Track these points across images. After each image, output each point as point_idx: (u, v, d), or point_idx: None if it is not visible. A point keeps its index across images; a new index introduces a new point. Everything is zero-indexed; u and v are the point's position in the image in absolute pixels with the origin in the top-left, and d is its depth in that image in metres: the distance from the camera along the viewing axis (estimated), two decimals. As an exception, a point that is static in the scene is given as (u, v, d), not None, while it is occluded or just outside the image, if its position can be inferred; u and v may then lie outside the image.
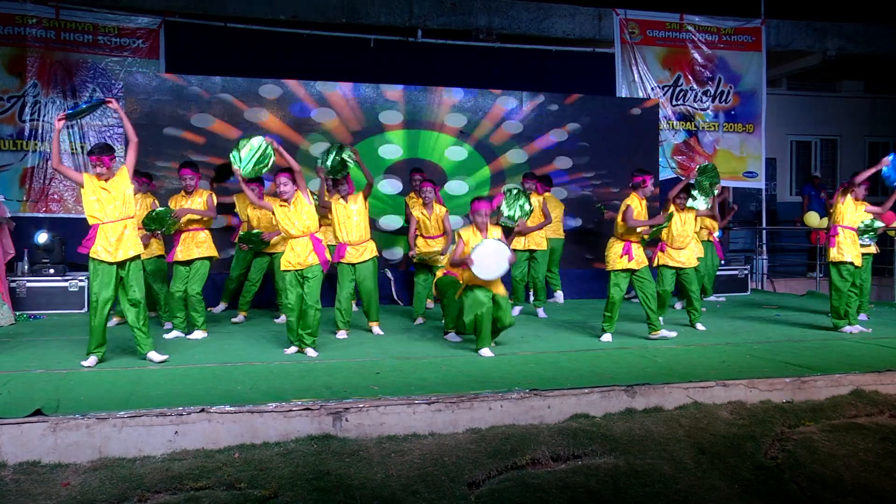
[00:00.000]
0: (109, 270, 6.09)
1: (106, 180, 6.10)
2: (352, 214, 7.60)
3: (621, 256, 7.45)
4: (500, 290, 6.83)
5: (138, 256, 6.26)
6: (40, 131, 10.32)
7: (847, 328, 7.95)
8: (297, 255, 6.63)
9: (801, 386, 5.69)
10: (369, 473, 4.39)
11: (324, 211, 7.67)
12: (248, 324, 8.43)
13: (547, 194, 9.79)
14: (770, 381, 5.66)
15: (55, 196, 10.40)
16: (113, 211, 6.09)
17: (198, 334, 7.49)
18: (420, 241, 8.46)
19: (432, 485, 4.36)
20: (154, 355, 6.28)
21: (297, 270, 6.66)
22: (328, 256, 6.82)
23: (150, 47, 10.81)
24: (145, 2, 10.84)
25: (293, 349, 6.76)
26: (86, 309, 8.89)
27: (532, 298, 9.66)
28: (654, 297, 7.52)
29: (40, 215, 10.39)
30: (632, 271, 7.51)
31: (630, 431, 5.02)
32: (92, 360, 6.10)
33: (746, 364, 6.30)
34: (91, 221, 6.10)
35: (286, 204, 6.65)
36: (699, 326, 8.21)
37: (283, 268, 6.74)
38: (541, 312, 9.22)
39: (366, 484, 4.30)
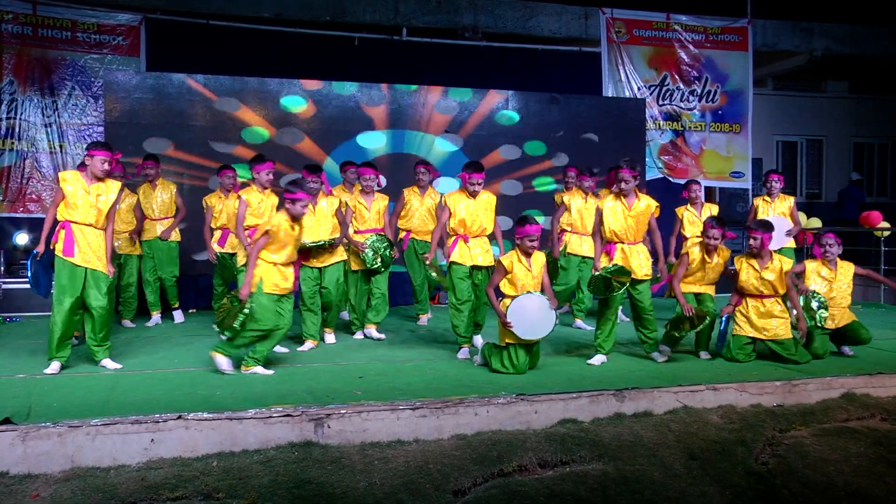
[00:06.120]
0: (77, 271, 5.86)
1: (96, 181, 5.88)
2: (320, 220, 7.01)
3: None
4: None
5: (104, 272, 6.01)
6: (17, 130, 10.13)
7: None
8: (285, 281, 5.98)
9: (792, 389, 5.62)
10: (352, 481, 4.29)
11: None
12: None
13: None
14: (760, 385, 5.58)
15: (33, 196, 10.22)
16: (86, 216, 5.85)
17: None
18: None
19: (417, 493, 4.26)
20: (108, 363, 6.06)
21: (282, 295, 6.00)
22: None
23: (131, 45, 10.64)
24: (125, -2, 10.69)
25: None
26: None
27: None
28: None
29: (17, 215, 10.22)
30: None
31: (619, 437, 4.93)
32: (55, 366, 5.87)
33: (736, 367, 6.23)
34: (61, 218, 5.84)
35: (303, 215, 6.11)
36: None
37: (267, 290, 5.85)
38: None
39: (348, 492, 4.20)
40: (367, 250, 7.37)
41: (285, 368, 6.12)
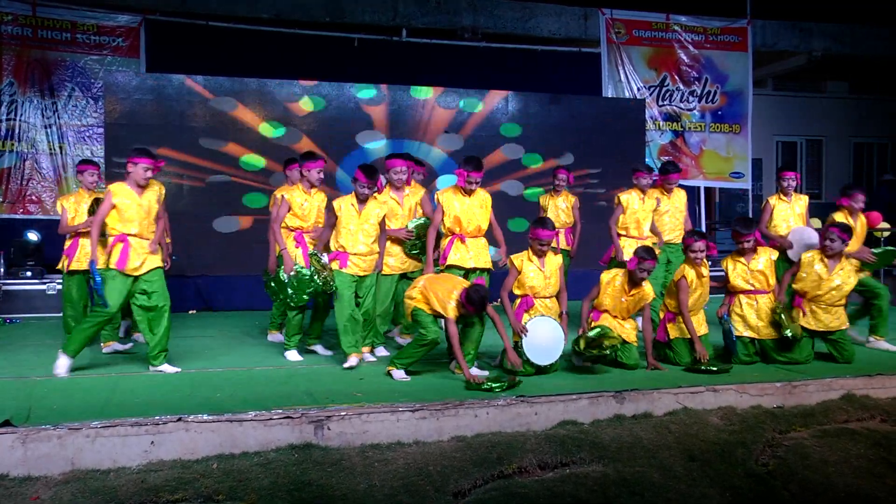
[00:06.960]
0: (127, 282, 5.84)
1: (140, 189, 5.87)
2: (369, 217, 6.23)
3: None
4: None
5: (160, 266, 6.02)
6: (17, 131, 10.12)
7: None
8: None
9: (792, 391, 5.61)
10: (352, 483, 4.28)
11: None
12: (230, 328, 8.25)
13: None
14: (760, 386, 5.58)
15: (33, 197, 10.21)
16: (142, 226, 5.85)
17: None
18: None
19: (417, 495, 4.25)
20: (167, 367, 5.98)
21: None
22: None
23: (131, 46, 10.63)
24: (125, -1, 10.69)
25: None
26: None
27: None
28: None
29: (17, 216, 10.21)
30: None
31: (619, 438, 4.92)
32: (68, 363, 5.81)
33: (736, 368, 6.21)
34: (116, 232, 5.78)
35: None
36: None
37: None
38: None
39: (348, 495, 4.19)
40: (413, 233, 6.64)
41: (285, 370, 6.12)
